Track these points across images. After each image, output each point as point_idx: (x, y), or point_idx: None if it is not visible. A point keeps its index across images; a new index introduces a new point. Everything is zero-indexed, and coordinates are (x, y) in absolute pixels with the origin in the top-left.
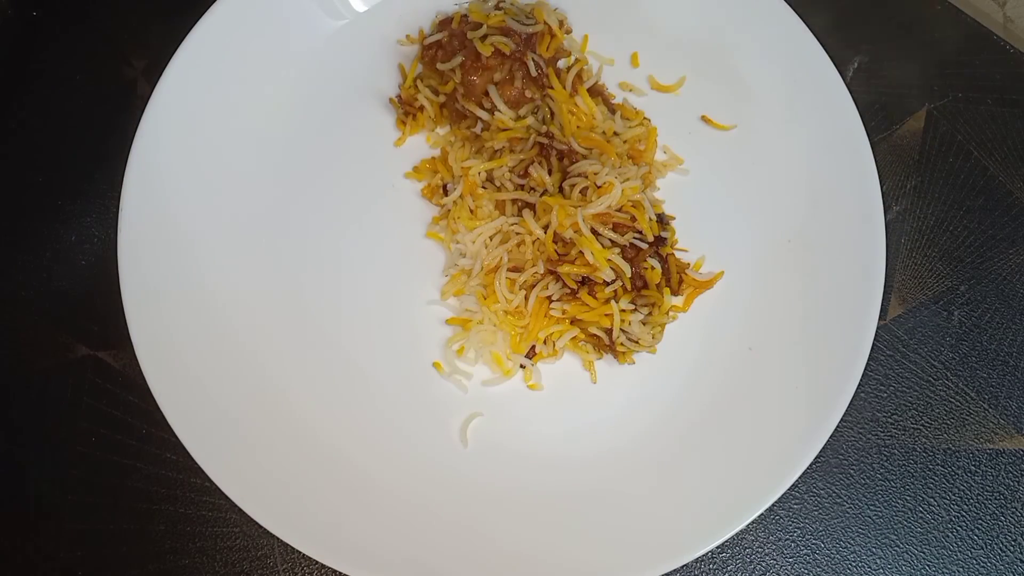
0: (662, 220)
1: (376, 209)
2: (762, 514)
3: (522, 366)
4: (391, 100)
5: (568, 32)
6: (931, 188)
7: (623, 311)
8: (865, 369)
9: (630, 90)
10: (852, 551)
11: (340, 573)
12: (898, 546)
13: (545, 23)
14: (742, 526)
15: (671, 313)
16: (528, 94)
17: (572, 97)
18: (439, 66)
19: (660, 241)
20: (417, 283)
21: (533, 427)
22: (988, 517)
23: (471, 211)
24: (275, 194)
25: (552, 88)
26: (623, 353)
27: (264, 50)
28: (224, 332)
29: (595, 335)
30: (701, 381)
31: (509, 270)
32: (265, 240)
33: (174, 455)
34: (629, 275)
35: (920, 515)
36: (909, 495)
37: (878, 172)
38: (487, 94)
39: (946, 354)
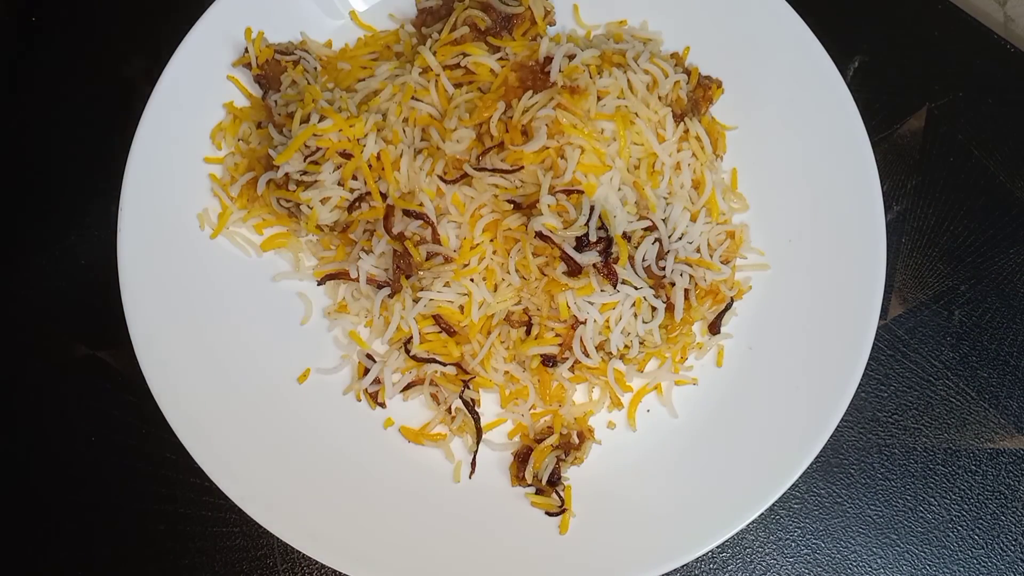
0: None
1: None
2: (762, 514)
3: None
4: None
5: (552, 24)
6: (931, 188)
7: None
8: (865, 369)
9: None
10: (852, 551)
11: (340, 573)
12: (899, 546)
13: (529, 9)
14: (742, 526)
15: None
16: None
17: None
18: (423, 30)
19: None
20: None
21: None
22: (989, 517)
23: None
24: None
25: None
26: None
27: None
28: (224, 332)
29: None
30: (701, 380)
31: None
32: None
33: (174, 455)
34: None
35: (921, 515)
36: (910, 495)
37: (878, 172)
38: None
39: (946, 354)
